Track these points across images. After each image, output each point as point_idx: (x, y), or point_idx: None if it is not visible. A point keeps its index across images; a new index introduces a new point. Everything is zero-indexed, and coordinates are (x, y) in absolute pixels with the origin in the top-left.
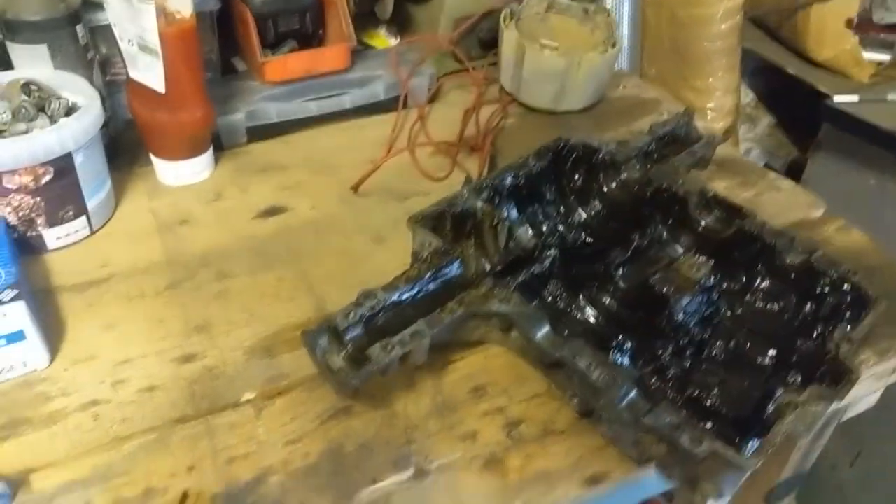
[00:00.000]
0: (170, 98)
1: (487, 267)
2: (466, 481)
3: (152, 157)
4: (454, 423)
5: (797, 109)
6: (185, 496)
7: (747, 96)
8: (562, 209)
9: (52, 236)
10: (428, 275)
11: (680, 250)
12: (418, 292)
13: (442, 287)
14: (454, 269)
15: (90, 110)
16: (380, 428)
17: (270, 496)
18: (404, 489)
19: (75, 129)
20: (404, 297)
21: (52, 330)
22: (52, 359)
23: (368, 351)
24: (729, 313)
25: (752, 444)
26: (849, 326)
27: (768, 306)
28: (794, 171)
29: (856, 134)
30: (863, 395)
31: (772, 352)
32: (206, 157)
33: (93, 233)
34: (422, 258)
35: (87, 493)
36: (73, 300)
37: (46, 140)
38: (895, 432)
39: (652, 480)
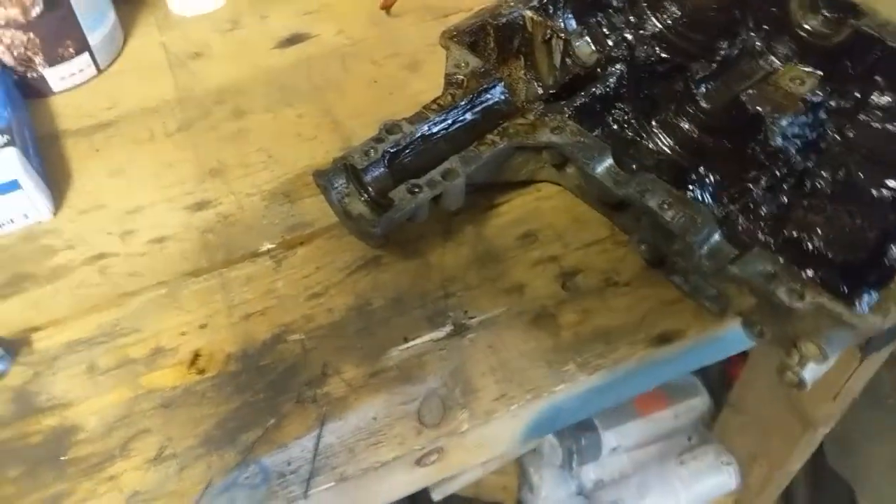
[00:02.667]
0: None
1: (540, 91)
2: (512, 339)
3: None
4: (499, 275)
5: None
6: (196, 356)
7: None
8: (631, 18)
9: (56, 76)
10: (463, 102)
11: (777, 63)
12: (452, 123)
13: (482, 117)
14: (496, 95)
15: None
16: (413, 280)
17: (290, 356)
18: (439, 348)
19: None
20: (435, 129)
21: (57, 178)
22: (57, 209)
23: (392, 194)
24: (838, 136)
25: (869, 298)
26: None
27: (888, 127)
28: None
29: None
30: None
31: (892, 182)
32: None
33: (100, 72)
34: (456, 82)
35: (91, 353)
36: (79, 145)
37: None
38: None
39: (734, 336)
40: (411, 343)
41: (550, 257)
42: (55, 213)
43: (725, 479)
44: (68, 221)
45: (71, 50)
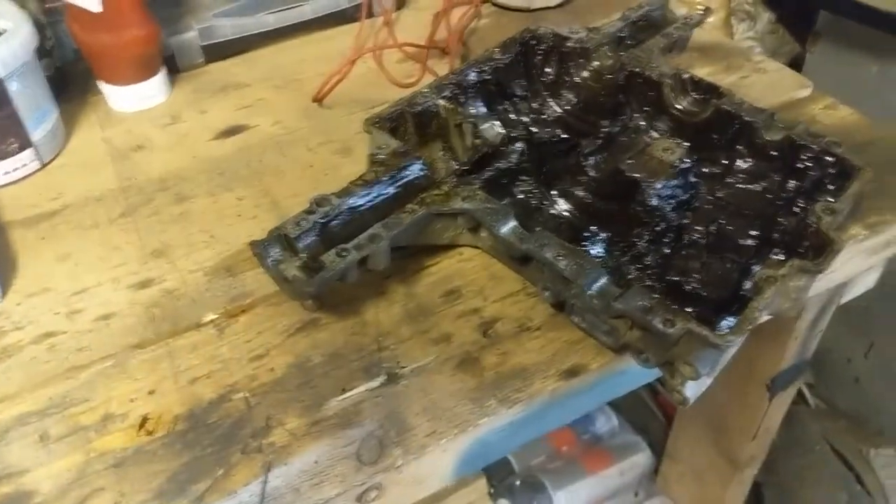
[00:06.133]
0: (108, 17)
1: (455, 167)
2: (440, 383)
3: (101, 84)
4: (428, 328)
5: (798, 4)
6: (145, 420)
7: None
8: (534, 105)
9: None
10: (386, 178)
11: (656, 136)
12: (376, 196)
13: (403, 190)
14: (415, 171)
15: (18, 34)
16: (349, 337)
17: (235, 412)
18: (375, 395)
19: (3, 54)
20: (361, 201)
21: (4, 266)
22: (4, 295)
23: (323, 257)
24: (709, 196)
25: (728, 322)
26: (831, 198)
27: (750, 187)
28: (797, 68)
29: (855, 19)
30: (857, 274)
31: (754, 231)
32: (158, 79)
33: (43, 166)
34: (379, 161)
35: (42, 423)
36: (25, 234)
37: None
38: None
39: (635, 371)
40: (349, 393)
41: (472, 310)
42: (2, 299)
43: None
44: (16, 305)
45: (14, 146)
